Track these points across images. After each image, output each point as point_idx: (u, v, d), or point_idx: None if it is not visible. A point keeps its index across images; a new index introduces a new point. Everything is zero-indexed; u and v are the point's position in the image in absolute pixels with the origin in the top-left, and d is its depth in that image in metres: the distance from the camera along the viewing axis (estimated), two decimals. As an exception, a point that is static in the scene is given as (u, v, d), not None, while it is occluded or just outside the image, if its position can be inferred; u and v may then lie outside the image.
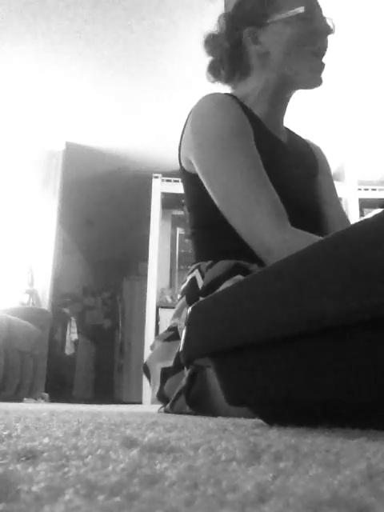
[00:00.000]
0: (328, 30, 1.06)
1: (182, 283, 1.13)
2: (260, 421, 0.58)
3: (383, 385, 0.34)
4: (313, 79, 1.06)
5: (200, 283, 1.02)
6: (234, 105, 1.00)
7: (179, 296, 1.12)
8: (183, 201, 1.19)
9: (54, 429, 0.41)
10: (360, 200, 4.04)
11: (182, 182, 1.13)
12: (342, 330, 0.36)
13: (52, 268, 3.75)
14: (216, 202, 0.96)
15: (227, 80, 1.14)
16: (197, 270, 1.05)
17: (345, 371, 0.37)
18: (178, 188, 4.29)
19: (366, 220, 0.34)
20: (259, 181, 0.92)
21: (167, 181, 4.26)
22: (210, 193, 0.97)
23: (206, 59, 1.13)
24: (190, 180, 1.07)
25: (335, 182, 1.28)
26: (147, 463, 0.22)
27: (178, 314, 1.06)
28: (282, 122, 1.16)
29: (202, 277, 1.03)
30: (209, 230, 1.07)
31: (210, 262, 1.04)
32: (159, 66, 3.12)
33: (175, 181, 4.29)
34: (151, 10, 2.66)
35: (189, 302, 1.02)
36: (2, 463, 0.21)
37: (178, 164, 1.12)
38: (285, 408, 0.50)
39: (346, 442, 0.31)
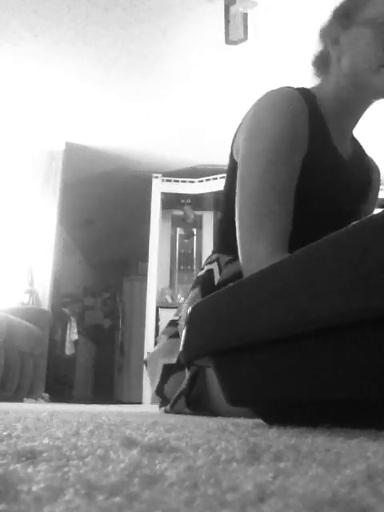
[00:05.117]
0: None
1: (200, 270, 1.12)
2: (260, 421, 0.58)
3: (383, 385, 0.34)
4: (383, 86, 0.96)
5: (216, 277, 1.02)
6: (299, 110, 0.95)
7: (181, 298, 1.12)
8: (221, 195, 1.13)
9: (54, 429, 0.41)
10: (360, 200, 4.02)
11: (228, 166, 1.10)
12: (341, 329, 0.36)
13: (52, 268, 3.75)
14: (236, 203, 0.94)
15: (315, 72, 1.09)
16: (216, 263, 1.05)
17: (345, 371, 0.37)
18: (177, 188, 4.29)
19: (365, 220, 0.34)
20: (277, 205, 0.89)
21: (167, 181, 4.26)
22: (236, 191, 0.95)
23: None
24: (235, 167, 1.03)
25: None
26: (147, 463, 0.22)
27: (191, 303, 1.05)
28: (351, 130, 1.09)
29: (220, 271, 1.02)
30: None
31: (230, 258, 1.03)
32: (159, 66, 3.12)
33: (175, 181, 4.29)
34: (151, 10, 2.66)
35: (203, 294, 1.02)
36: (1, 463, 0.21)
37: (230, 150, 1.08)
38: (285, 408, 0.50)
39: (346, 442, 0.31)
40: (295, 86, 1.00)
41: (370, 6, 0.96)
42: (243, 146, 0.96)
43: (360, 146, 1.16)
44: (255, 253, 0.87)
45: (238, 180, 0.95)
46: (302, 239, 0.89)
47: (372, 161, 1.18)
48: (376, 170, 1.18)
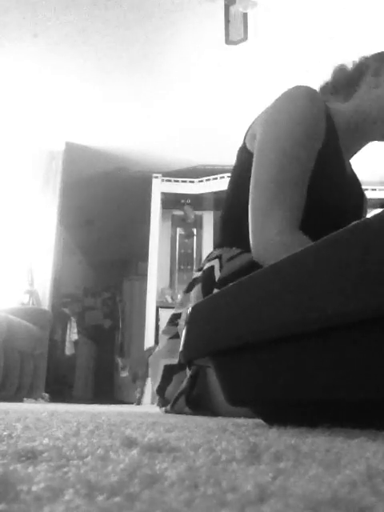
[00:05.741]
0: None
1: (198, 271, 1.12)
2: (260, 421, 0.58)
3: (383, 385, 0.34)
4: None
5: (217, 274, 1.02)
6: (320, 110, 0.97)
7: (185, 290, 1.11)
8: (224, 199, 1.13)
9: (54, 429, 0.41)
10: (360, 200, 4.03)
11: (237, 156, 1.10)
12: (342, 329, 0.36)
13: (52, 268, 3.74)
14: (251, 181, 0.95)
15: (332, 91, 1.12)
16: (217, 260, 1.04)
17: (345, 371, 0.37)
18: (178, 188, 4.29)
19: (365, 220, 0.34)
20: (293, 184, 0.90)
21: (167, 181, 4.26)
22: (252, 170, 0.96)
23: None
24: (247, 158, 1.03)
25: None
26: (147, 463, 0.22)
27: (194, 301, 1.05)
28: (353, 154, 1.13)
29: (220, 268, 1.02)
30: (244, 213, 1.00)
31: (232, 253, 1.03)
32: (159, 66, 3.12)
33: (175, 181, 4.29)
34: (151, 10, 2.66)
35: (204, 290, 1.01)
36: (1, 463, 0.21)
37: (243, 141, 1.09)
38: (285, 408, 0.50)
39: (346, 442, 0.31)
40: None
41: None
42: (261, 132, 0.97)
43: (354, 172, 1.18)
44: (267, 230, 0.88)
45: (254, 164, 0.96)
46: (306, 231, 0.90)
47: (361, 186, 1.21)
48: (365, 196, 1.21)
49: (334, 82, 1.11)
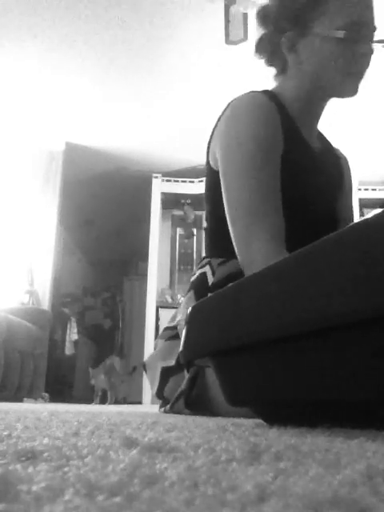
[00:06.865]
0: (370, 53, 1.00)
1: (192, 275, 1.12)
2: (260, 421, 0.58)
3: (383, 385, 0.34)
4: (346, 91, 1.02)
5: (210, 279, 1.02)
6: (271, 111, 0.97)
7: (181, 297, 1.11)
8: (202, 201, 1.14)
9: (54, 429, 0.41)
10: (360, 200, 4.04)
11: (206, 173, 1.10)
12: (341, 329, 0.36)
13: (52, 268, 3.74)
14: (226, 210, 0.95)
15: (269, 65, 1.11)
16: (208, 266, 1.05)
17: (345, 371, 0.37)
18: (177, 188, 4.29)
19: (365, 220, 0.34)
20: (268, 204, 0.90)
21: (167, 181, 4.26)
22: (224, 199, 0.96)
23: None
24: (214, 175, 1.04)
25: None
26: (147, 463, 0.22)
27: (186, 308, 1.05)
28: (316, 126, 1.12)
29: (213, 273, 1.02)
30: (225, 227, 1.01)
31: (221, 260, 1.03)
32: (159, 66, 3.11)
33: (175, 181, 4.29)
34: (151, 10, 2.65)
35: (197, 297, 1.02)
36: (1, 463, 0.21)
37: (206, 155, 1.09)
38: (285, 408, 0.50)
39: (346, 442, 0.31)
40: (259, 89, 1.03)
41: (326, 18, 0.97)
42: (222, 155, 0.98)
43: (326, 139, 1.19)
44: (254, 260, 0.88)
45: (223, 191, 0.96)
46: (288, 234, 0.90)
47: (339, 151, 1.22)
48: (344, 159, 1.22)
49: (278, 66, 1.10)
